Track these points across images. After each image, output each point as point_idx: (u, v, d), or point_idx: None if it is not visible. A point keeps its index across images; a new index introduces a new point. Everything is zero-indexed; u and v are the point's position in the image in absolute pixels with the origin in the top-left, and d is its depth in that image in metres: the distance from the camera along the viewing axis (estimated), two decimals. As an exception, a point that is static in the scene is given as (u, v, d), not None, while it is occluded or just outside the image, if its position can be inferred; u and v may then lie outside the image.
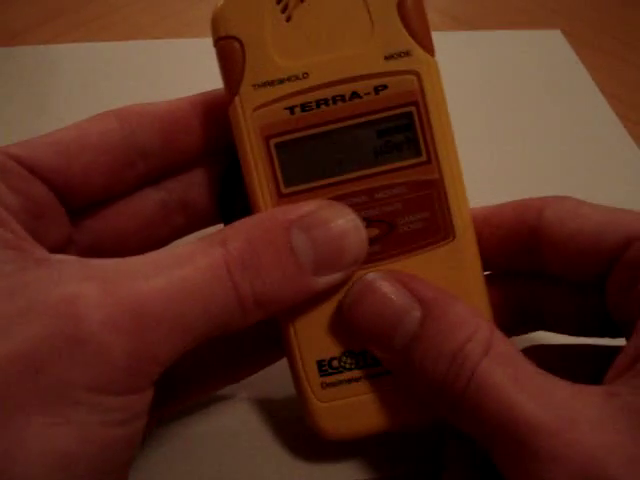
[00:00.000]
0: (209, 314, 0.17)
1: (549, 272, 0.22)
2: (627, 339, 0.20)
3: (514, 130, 0.40)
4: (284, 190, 0.21)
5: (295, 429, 0.22)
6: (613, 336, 0.22)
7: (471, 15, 0.49)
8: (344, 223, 0.20)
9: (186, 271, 0.17)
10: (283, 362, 0.23)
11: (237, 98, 0.21)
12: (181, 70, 0.43)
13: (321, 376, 0.22)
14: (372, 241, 0.21)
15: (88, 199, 0.22)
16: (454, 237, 0.21)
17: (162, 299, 0.17)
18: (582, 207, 0.21)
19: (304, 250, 0.19)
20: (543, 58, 0.46)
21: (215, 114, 0.22)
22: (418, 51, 0.21)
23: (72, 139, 0.21)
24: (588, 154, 0.38)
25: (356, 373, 0.22)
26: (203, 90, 0.24)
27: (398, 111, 0.21)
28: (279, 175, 0.21)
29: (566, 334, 0.23)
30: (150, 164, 0.22)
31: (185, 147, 0.22)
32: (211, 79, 0.43)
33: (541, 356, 0.19)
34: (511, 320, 0.23)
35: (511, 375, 0.18)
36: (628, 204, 0.21)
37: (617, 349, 0.20)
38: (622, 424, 0.16)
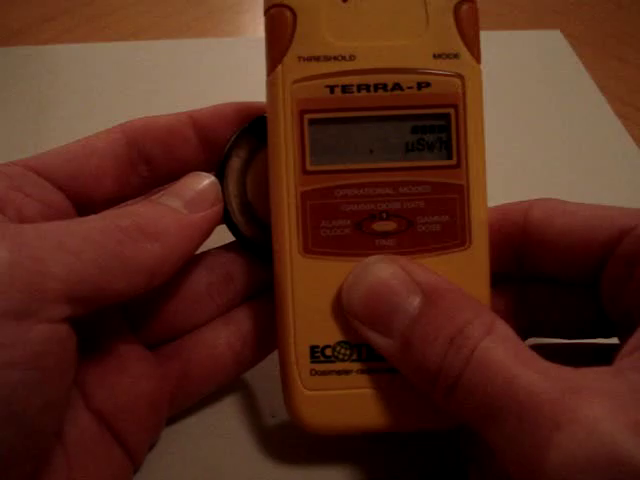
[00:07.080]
0: (91, 238, 0.18)
1: (540, 273, 0.22)
2: (620, 337, 0.20)
3: (514, 130, 0.40)
4: (309, 167, 0.21)
5: (295, 429, 0.22)
6: (606, 336, 0.22)
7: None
8: (203, 185, 0.23)
9: (75, 223, 0.19)
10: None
11: (279, 67, 0.21)
12: (181, 70, 0.43)
13: (312, 362, 0.21)
14: (388, 234, 0.21)
15: (99, 202, 0.23)
16: (469, 245, 0.21)
17: (42, 227, 0.18)
18: (568, 205, 0.22)
19: (171, 200, 0.21)
20: (543, 58, 0.46)
21: (210, 129, 0.24)
22: (467, 55, 0.21)
23: (81, 147, 0.23)
24: (588, 154, 0.38)
25: (348, 365, 0.21)
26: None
27: (436, 111, 0.21)
28: (307, 151, 0.21)
29: (559, 338, 0.23)
30: (154, 169, 0.24)
31: (185, 155, 0.24)
32: (211, 79, 0.43)
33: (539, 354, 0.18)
34: None
35: (512, 353, 0.17)
36: (628, 204, 0.22)
37: (613, 347, 0.19)
38: (625, 396, 0.16)
